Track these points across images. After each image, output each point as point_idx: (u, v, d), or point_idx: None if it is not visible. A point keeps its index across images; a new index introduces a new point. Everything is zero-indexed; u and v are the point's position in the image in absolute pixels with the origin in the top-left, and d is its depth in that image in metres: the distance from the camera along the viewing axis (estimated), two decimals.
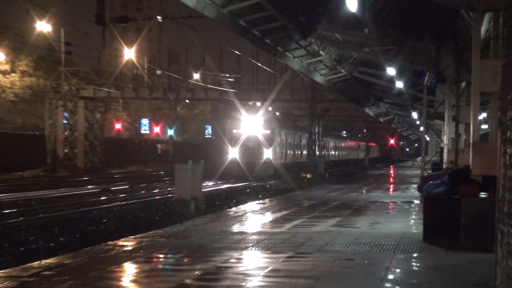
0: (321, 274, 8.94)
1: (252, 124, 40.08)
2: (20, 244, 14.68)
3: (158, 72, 60.23)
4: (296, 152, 49.44)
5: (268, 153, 39.99)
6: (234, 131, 41.09)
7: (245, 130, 40.44)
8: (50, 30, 46.78)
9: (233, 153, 39.86)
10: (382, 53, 22.13)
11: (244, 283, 8.31)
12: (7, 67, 56.58)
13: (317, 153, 51.68)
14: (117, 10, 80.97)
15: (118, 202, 25.72)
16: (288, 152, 45.67)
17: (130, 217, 20.67)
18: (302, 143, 52.09)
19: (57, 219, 19.19)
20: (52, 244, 14.64)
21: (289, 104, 64.71)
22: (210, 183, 37.04)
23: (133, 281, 8.87)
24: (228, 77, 56.44)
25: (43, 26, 44.97)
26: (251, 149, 39.92)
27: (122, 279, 9.06)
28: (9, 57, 56.06)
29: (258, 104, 61.31)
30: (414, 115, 43.44)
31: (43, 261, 9.94)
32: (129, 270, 9.66)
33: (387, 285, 8.40)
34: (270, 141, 40.15)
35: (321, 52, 27.63)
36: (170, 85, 60.52)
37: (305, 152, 53.70)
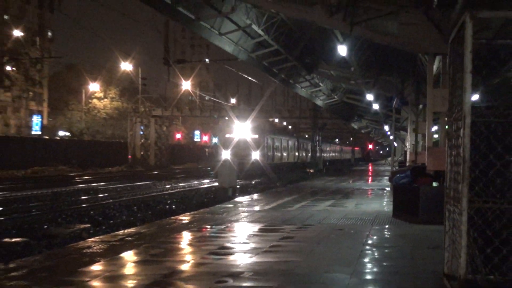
0: (320, 240, 8.76)
1: (242, 130, 34.35)
2: (109, 218, 14.54)
3: (206, 98, 60.80)
4: (283, 154, 42.90)
5: (256, 155, 34.14)
6: (227, 135, 35.19)
7: (236, 135, 34.36)
8: (131, 69, 47.51)
9: (225, 155, 31.99)
10: (363, 84, 21.82)
11: (265, 245, 8.13)
12: (101, 94, 58.54)
13: (318, 154, 52.57)
14: (178, 55, 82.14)
15: (178, 189, 25.39)
16: (275, 154, 39.62)
17: (187, 199, 20.23)
18: (289, 146, 45.20)
19: (135, 201, 18.97)
20: (132, 219, 14.47)
21: (298, 120, 64.59)
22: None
23: (188, 244, 8.75)
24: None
25: (126, 66, 45.68)
26: (241, 151, 33.69)
27: (181, 242, 8.96)
28: (102, 87, 57.38)
29: (276, 120, 62.16)
30: (386, 128, 42.50)
31: (126, 230, 9.86)
32: (186, 236, 9.48)
33: (367, 247, 8.12)
34: (257, 144, 34.33)
35: (320, 84, 27.51)
36: (214, 107, 61.08)
37: (293, 153, 47.40)
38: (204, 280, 5.68)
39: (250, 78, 44.74)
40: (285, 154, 43.80)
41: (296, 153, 48.43)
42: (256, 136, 34.16)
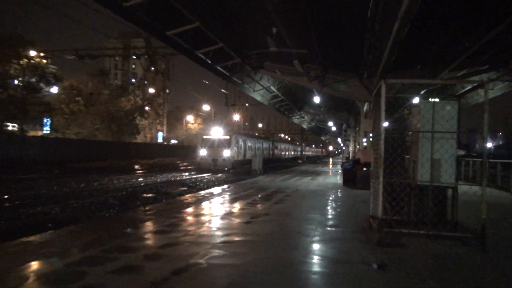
0: (305, 196, 13.93)
1: (217, 132, 36.17)
2: (196, 185, 22.41)
3: (246, 124, 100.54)
4: (252, 153, 42.51)
5: (227, 153, 35.40)
6: (205, 136, 36.59)
7: (212, 136, 35.97)
8: (209, 109, 74.34)
9: (203, 153, 35.67)
10: (327, 117, 30.90)
11: (283, 200, 12.72)
12: (193, 121, 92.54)
13: (303, 153, 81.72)
14: (232, 100, 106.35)
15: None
16: (245, 152, 40.04)
17: (232, 176, 28.32)
18: (257, 147, 45.83)
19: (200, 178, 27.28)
20: (198, 185, 21.87)
21: (291, 135, 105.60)
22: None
23: (228, 201, 12.41)
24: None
25: (206, 107, 71.24)
26: (215, 149, 35.51)
27: (226, 200, 12.63)
28: (194, 119, 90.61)
29: (282, 135, 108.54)
30: (339, 139, 68.15)
31: (202, 192, 14.27)
32: (227, 196, 13.42)
33: (329, 199, 13.28)
34: (228, 144, 35.60)
35: (304, 116, 39.96)
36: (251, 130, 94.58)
37: (267, 152, 51.21)
38: (245, 216, 10.06)
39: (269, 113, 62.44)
40: (258, 152, 46.01)
41: (271, 152, 54.70)
42: (227, 137, 36.12)
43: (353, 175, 16.56)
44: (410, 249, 7.04)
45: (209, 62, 16.59)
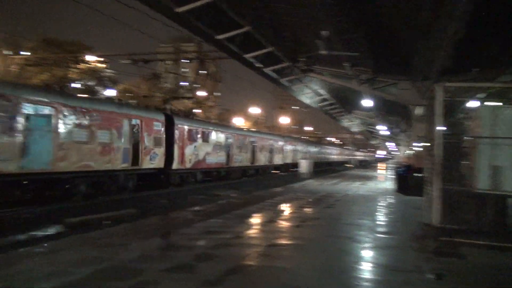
0: (355, 201, 13.93)
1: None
2: (244, 187, 22.83)
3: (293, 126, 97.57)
4: (300, 156, 42.61)
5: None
6: None
7: None
8: (259, 111, 79.69)
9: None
10: (377, 120, 29.67)
11: (333, 205, 12.91)
12: (243, 123, 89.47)
13: (352, 157, 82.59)
14: (280, 103, 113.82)
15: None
16: (294, 156, 40.62)
17: (282, 179, 28.29)
18: (305, 150, 46.92)
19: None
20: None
21: (340, 139, 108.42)
22: None
23: (278, 204, 12.89)
24: None
25: (254, 110, 77.86)
26: None
27: (275, 203, 13.02)
28: (244, 121, 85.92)
29: (330, 139, 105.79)
30: (390, 144, 61.87)
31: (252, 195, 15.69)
32: (277, 199, 13.86)
33: (381, 204, 13.20)
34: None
35: (353, 119, 37.33)
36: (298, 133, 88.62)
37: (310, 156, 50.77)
38: (295, 219, 10.60)
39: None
40: (306, 156, 45.83)
41: (319, 155, 53.81)
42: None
43: (405, 180, 16.24)
44: (470, 259, 6.69)
45: (258, 65, 16.67)
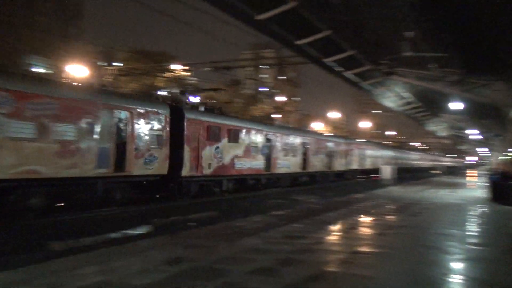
0: (443, 210, 13.31)
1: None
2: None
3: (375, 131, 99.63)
4: (381, 162, 41.15)
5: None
6: None
7: None
8: (339, 115, 77.40)
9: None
10: (467, 124, 28.03)
11: (419, 212, 12.35)
12: (322, 126, 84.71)
13: (439, 163, 77.93)
14: (360, 107, 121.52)
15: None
16: (374, 162, 39.71)
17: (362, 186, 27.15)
18: (386, 155, 45.96)
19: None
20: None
21: (425, 144, 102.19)
22: None
23: (360, 210, 12.67)
24: None
25: (334, 115, 74.71)
26: None
27: (358, 209, 12.85)
28: (325, 126, 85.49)
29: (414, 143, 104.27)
30: (481, 149, 62.31)
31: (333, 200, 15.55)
32: (359, 206, 13.54)
33: (472, 214, 12.42)
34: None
35: (440, 123, 35.30)
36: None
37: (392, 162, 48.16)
38: (379, 227, 10.28)
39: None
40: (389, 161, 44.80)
41: (402, 161, 51.98)
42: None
43: (500, 189, 15.07)
44: None
45: (338, 69, 16.50)
